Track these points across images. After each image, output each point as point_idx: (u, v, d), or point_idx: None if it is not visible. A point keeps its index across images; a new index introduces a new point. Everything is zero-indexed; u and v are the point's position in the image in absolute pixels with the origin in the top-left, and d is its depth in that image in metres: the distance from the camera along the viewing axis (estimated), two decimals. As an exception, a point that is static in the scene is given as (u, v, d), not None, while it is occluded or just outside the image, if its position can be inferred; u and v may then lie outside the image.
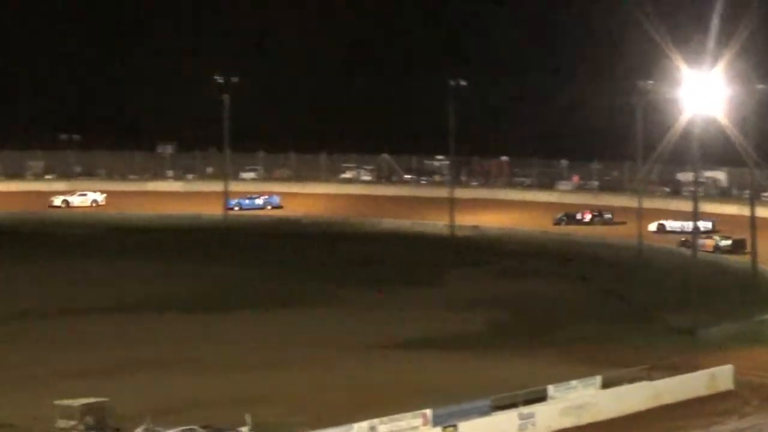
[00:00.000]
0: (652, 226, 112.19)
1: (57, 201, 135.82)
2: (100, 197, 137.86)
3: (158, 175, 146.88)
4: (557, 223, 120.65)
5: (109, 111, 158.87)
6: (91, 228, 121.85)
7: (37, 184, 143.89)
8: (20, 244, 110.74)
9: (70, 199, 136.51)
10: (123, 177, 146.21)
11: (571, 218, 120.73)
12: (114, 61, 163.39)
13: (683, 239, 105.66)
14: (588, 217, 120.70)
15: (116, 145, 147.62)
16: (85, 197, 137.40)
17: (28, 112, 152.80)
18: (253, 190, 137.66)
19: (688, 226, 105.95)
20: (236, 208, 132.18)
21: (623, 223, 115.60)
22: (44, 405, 43.85)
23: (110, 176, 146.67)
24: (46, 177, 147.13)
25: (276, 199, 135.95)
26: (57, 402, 42.27)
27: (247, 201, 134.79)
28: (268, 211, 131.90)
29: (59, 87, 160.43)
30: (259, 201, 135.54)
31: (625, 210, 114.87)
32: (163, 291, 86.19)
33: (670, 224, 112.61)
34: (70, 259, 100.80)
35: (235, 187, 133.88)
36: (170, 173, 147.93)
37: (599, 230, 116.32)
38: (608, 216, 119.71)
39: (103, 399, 43.10)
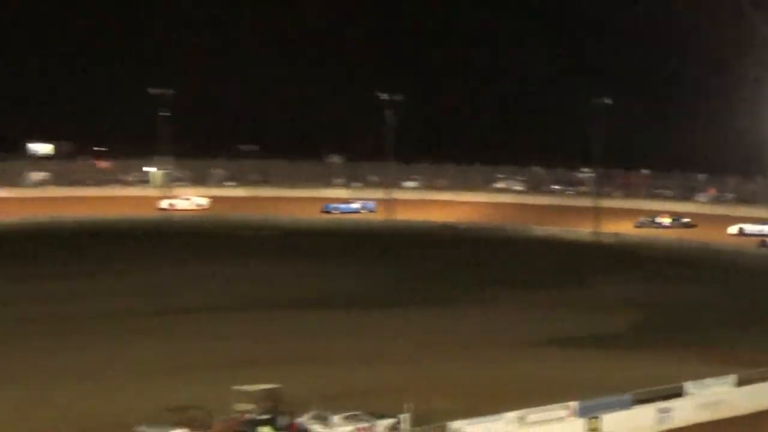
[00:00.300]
0: (733, 229, 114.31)
1: (164, 204, 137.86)
2: (204, 201, 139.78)
3: (327, 183, 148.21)
4: (639, 226, 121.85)
5: (284, 124, 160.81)
6: (268, 230, 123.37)
7: (218, 190, 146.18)
8: (206, 244, 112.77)
9: (175, 202, 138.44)
10: (294, 184, 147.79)
11: (651, 222, 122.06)
12: (288, 78, 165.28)
13: (762, 240, 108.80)
14: (667, 221, 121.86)
15: (290, 155, 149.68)
16: (189, 201, 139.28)
17: (212, 123, 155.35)
18: (414, 198, 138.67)
19: (766, 229, 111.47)
20: (335, 212, 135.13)
21: (695, 225, 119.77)
22: (223, 390, 44.36)
23: (283, 183, 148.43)
24: (226, 184, 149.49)
25: (371, 205, 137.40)
26: (236, 387, 42.77)
27: (343, 205, 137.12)
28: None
29: (240, 101, 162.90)
30: (356, 205, 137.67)
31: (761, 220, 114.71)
32: (329, 289, 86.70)
33: (749, 228, 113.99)
34: (248, 259, 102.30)
35: (396, 194, 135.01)
36: (338, 181, 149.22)
37: (678, 233, 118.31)
38: (686, 220, 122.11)
39: (277, 385, 43.44)
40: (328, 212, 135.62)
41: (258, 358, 58.69)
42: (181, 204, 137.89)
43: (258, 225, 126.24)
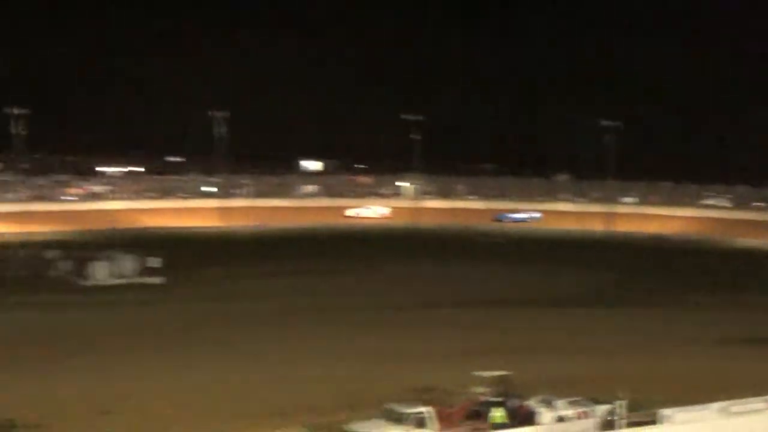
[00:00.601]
0: None
1: (351, 212, 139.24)
2: (386, 210, 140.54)
3: (554, 198, 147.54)
4: None
5: (518, 146, 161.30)
6: (502, 238, 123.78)
7: (461, 203, 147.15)
8: (448, 249, 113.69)
9: (360, 211, 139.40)
10: (526, 199, 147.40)
11: None
12: (521, 107, 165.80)
13: None
14: None
15: (523, 174, 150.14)
16: (371, 210, 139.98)
17: (457, 145, 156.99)
18: (631, 212, 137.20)
19: None
20: (505, 221, 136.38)
21: None
22: (462, 374, 44.52)
23: (516, 198, 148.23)
24: (468, 197, 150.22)
25: (537, 215, 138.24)
26: (474, 372, 42.94)
27: (513, 215, 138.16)
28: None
29: (481, 126, 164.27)
30: (524, 215, 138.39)
31: None
32: (556, 290, 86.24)
33: None
34: (484, 262, 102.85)
35: (615, 209, 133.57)
36: (564, 196, 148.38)
37: None
38: None
39: (509, 372, 43.43)
40: (499, 221, 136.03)
41: (495, 348, 58.77)
42: (365, 213, 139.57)
43: (495, 234, 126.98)
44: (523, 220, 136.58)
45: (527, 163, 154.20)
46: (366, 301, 77.74)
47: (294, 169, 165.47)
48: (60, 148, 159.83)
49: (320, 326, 67.16)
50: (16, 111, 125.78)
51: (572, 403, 42.24)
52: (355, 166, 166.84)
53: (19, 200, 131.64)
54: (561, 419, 41.46)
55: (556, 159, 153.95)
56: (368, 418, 40.38)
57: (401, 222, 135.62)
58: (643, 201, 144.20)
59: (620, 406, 42.03)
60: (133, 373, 52.40)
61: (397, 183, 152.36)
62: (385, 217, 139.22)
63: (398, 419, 39.40)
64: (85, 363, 55.02)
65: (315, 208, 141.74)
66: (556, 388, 44.30)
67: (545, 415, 41.36)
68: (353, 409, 43.16)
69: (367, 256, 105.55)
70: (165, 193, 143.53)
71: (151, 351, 58.43)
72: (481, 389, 42.39)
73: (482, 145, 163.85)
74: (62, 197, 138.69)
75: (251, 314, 71.70)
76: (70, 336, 63.15)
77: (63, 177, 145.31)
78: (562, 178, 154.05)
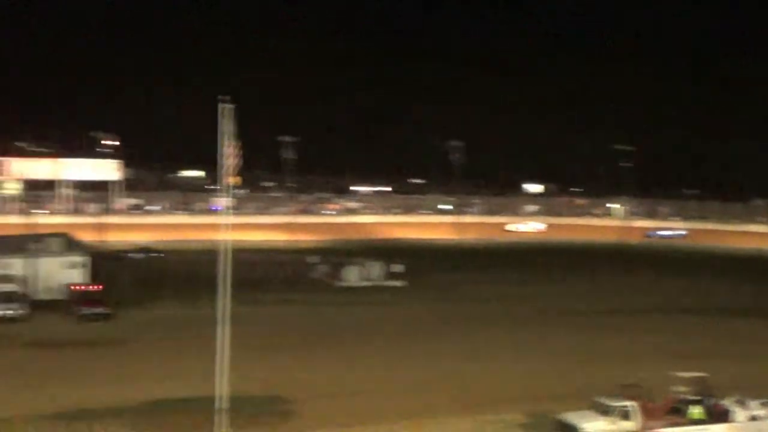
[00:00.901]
0: None
1: (510, 227, 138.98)
2: (542, 226, 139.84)
3: (751, 221, 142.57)
4: None
5: (715, 173, 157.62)
6: (682, 254, 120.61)
7: (665, 223, 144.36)
8: (654, 263, 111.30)
9: (519, 226, 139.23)
10: (724, 221, 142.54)
11: None
12: (724, 139, 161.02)
13: None
14: None
15: (722, 197, 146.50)
16: (528, 225, 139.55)
17: (663, 171, 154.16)
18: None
19: None
20: (653, 237, 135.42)
21: None
22: (662, 374, 43.33)
23: (716, 220, 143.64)
24: (671, 218, 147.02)
25: (682, 232, 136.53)
26: (674, 373, 41.79)
27: (660, 232, 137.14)
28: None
29: (681, 157, 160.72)
30: (669, 233, 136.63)
31: None
32: (746, 302, 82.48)
33: None
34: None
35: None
36: (760, 219, 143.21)
37: None
38: None
39: (705, 374, 42.13)
40: (649, 237, 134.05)
41: (691, 353, 56.82)
42: (522, 228, 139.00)
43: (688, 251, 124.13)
44: (669, 237, 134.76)
45: (726, 189, 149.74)
46: (577, 307, 76.54)
47: (518, 191, 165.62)
48: (321, 170, 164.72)
49: (537, 327, 66.61)
50: (287, 138, 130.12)
51: (764, 404, 40.59)
52: (572, 189, 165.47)
53: (288, 213, 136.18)
54: (754, 418, 39.90)
55: (753, 185, 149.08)
56: (579, 409, 39.85)
57: (556, 236, 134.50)
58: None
59: (810, 409, 40.07)
60: (378, 361, 53.23)
61: (607, 204, 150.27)
62: (541, 232, 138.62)
63: (605, 411, 38.88)
64: (337, 351, 56.24)
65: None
66: (748, 390, 42.58)
67: (739, 414, 39.89)
68: (565, 400, 42.62)
69: (578, 267, 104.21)
70: (408, 210, 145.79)
71: (394, 343, 59.20)
72: (680, 388, 41.25)
73: (685, 172, 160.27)
74: (322, 211, 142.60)
75: (479, 314, 71.80)
76: (326, 328, 64.71)
77: (323, 194, 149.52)
78: (758, 202, 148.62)
